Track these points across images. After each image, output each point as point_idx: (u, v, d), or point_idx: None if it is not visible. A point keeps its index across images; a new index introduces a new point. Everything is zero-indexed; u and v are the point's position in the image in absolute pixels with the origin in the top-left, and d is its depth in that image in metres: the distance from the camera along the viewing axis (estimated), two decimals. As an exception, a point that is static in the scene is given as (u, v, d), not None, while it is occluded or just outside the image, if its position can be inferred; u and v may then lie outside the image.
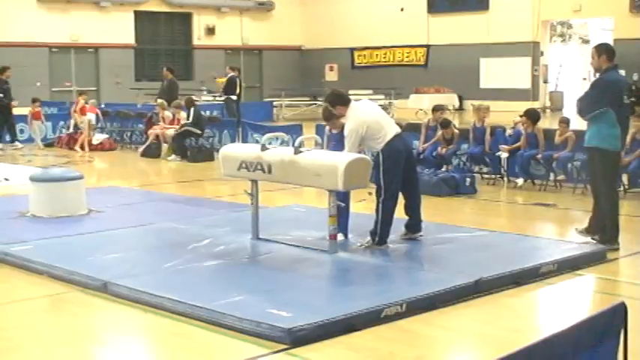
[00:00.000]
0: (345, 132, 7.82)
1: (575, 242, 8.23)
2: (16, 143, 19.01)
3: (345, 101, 7.99)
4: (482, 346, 5.64)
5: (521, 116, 12.85)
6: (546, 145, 12.06)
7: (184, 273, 6.98)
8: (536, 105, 25.80)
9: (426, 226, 8.33)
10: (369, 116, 7.87)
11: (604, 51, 8.10)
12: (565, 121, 12.26)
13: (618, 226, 8.14)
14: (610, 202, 8.14)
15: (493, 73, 31.07)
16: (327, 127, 8.52)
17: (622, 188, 10.67)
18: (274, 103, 29.93)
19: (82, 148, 18.29)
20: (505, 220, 10.38)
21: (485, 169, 13.05)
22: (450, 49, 31.87)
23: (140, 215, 9.93)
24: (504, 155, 12.51)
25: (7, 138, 19.50)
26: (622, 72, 10.31)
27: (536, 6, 29.78)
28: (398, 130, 7.99)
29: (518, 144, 12.37)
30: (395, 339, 5.60)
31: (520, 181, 12.34)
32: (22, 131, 20.55)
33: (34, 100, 19.72)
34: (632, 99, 8.66)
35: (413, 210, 8.16)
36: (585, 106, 8.10)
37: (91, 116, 18.69)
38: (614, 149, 8.06)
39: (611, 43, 29.36)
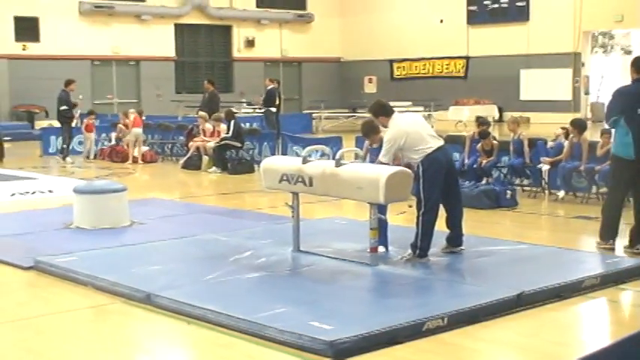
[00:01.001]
0: (385, 139, 7.84)
1: (619, 256, 8.15)
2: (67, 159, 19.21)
3: (388, 112, 8.01)
4: (526, 359, 5.62)
5: (563, 128, 12.74)
6: (588, 157, 11.94)
7: (226, 285, 7.03)
8: (577, 116, 25.56)
9: (466, 239, 8.30)
10: (410, 127, 7.88)
11: (633, 63, 8.57)
12: (607, 132, 12.08)
13: (612, 228, 8.58)
14: (609, 206, 8.77)
15: (533, 84, 30.87)
16: (367, 142, 8.54)
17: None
18: (313, 115, 30.01)
19: (135, 161, 18.44)
20: (546, 233, 10.30)
21: (526, 182, 12.96)
22: (490, 61, 31.73)
23: (181, 227, 10.01)
24: (545, 167, 12.42)
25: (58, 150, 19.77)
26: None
27: (578, 16, 29.55)
28: (441, 142, 7.97)
29: (559, 156, 12.27)
30: (437, 352, 5.59)
31: (562, 193, 12.23)
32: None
33: (89, 113, 19.94)
34: None
35: (454, 223, 8.13)
36: (605, 113, 8.77)
37: (139, 130, 18.82)
38: (626, 157, 8.41)
39: (654, 53, 29.18)
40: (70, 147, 19.52)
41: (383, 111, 8.04)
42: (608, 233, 8.67)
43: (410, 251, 7.86)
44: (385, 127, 8.00)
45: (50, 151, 20.68)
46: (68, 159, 18.92)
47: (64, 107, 19.15)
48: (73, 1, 30.06)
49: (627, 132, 8.35)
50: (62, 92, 19.47)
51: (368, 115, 8.15)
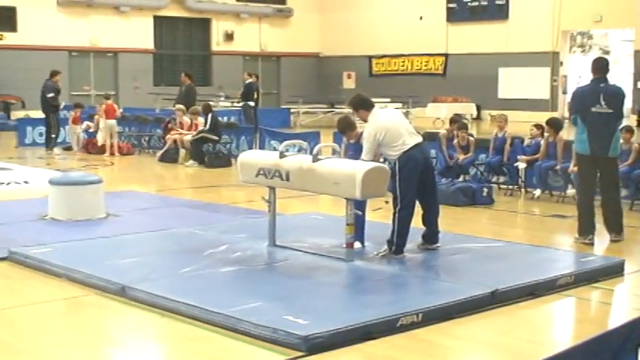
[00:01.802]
0: (364, 135, 7.85)
1: (593, 255, 8.21)
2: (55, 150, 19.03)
3: (368, 106, 8.01)
4: (498, 357, 5.65)
5: (536, 126, 12.79)
6: (564, 156, 12.01)
7: (201, 278, 7.01)
8: (554, 115, 25.70)
9: (442, 236, 8.33)
10: (390, 122, 7.88)
11: (591, 64, 9.11)
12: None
13: (588, 223, 8.94)
14: (580, 201, 9.20)
15: (512, 82, 31.02)
16: (345, 137, 8.54)
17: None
18: (291, 110, 29.99)
19: (112, 153, 18.33)
20: (522, 231, 10.36)
21: (502, 180, 13.02)
22: (469, 59, 31.84)
23: (157, 220, 9.98)
24: (522, 166, 12.48)
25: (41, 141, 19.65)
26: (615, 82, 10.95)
27: (557, 16, 29.72)
28: (419, 139, 7.98)
29: (536, 155, 12.34)
30: (410, 348, 5.61)
31: (538, 192, 12.31)
32: (41, 134, 20.70)
33: (76, 105, 19.78)
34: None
35: (430, 221, 8.15)
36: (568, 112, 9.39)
37: (112, 121, 18.69)
38: (583, 152, 8.96)
39: (632, 53, 29.41)
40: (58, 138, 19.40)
41: (363, 104, 8.04)
42: (586, 228, 8.94)
43: (386, 247, 7.88)
44: (364, 121, 8.01)
45: (26, 142, 20.54)
46: (55, 150, 18.80)
47: (51, 94, 19.06)
48: (51, -8, 29.85)
49: (583, 129, 8.87)
50: (47, 82, 19.40)
51: (347, 109, 8.11)
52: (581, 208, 9.07)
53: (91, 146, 18.95)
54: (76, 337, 5.85)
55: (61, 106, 20.07)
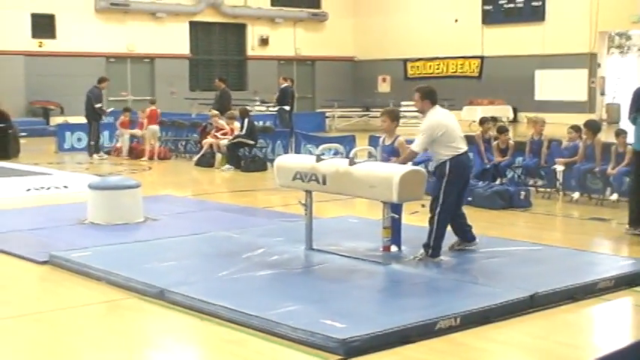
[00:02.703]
0: (422, 128, 7.84)
1: (634, 258, 8.12)
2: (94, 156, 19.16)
3: (434, 100, 7.98)
4: (538, 361, 5.60)
5: (573, 128, 12.67)
6: (603, 158, 11.89)
7: (239, 282, 7.04)
8: (592, 117, 25.47)
9: (479, 240, 8.29)
10: (449, 122, 7.93)
11: None
12: (623, 134, 12.01)
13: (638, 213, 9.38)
14: (632, 194, 9.65)
15: (548, 84, 30.76)
16: (382, 139, 8.54)
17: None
18: (327, 114, 30.02)
19: (151, 157, 18.50)
20: (560, 235, 10.27)
21: (540, 183, 12.92)
22: (505, 61, 31.64)
23: (194, 224, 10.04)
24: (560, 168, 12.37)
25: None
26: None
27: (594, 17, 29.43)
28: (466, 147, 8.04)
29: (574, 157, 12.23)
30: (449, 352, 5.59)
31: (576, 195, 12.18)
32: (79, 139, 20.95)
33: (125, 110, 19.97)
34: None
35: (461, 223, 8.15)
36: (628, 111, 9.75)
37: (155, 127, 18.82)
38: None
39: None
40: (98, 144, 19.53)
41: (431, 96, 7.99)
42: (636, 220, 9.39)
43: (422, 251, 7.86)
44: (422, 112, 8.01)
45: (65, 147, 20.79)
46: (95, 156, 18.95)
47: (99, 105, 19.10)
48: (88, -1, 30.20)
49: None
50: (94, 89, 19.47)
51: (415, 92, 8.02)
52: (635, 199, 9.50)
53: (129, 151, 19.07)
54: (116, 339, 5.91)
55: (107, 113, 20.16)
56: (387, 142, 8.39)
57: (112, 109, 21.18)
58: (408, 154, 7.94)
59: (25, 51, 28.67)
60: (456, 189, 7.85)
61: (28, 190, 13.23)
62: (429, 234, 7.83)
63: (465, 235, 8.22)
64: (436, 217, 7.80)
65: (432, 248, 7.80)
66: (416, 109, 8.27)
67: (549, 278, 7.11)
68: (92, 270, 7.55)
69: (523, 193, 11.85)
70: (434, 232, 7.80)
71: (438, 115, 7.94)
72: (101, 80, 19.85)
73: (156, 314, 6.50)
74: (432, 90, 8.09)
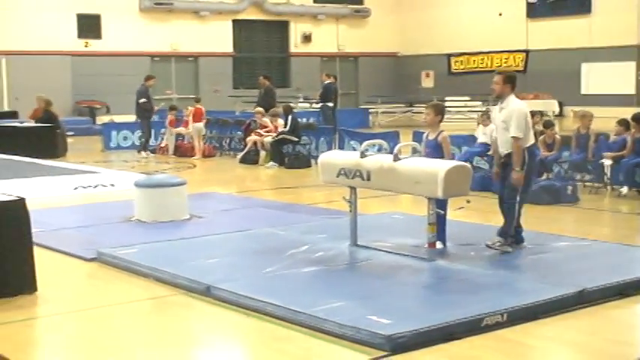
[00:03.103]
0: (510, 114, 7.84)
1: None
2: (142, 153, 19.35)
3: (514, 86, 8.01)
4: (584, 358, 5.53)
5: (619, 122, 12.49)
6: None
7: (284, 278, 7.07)
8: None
9: (526, 235, 8.21)
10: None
11: None
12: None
13: None
14: None
15: (595, 78, 30.35)
16: (425, 134, 8.49)
17: None
18: (370, 110, 29.97)
19: (193, 155, 18.65)
20: (609, 230, 10.14)
21: (587, 177, 12.75)
22: (550, 54, 31.29)
23: (239, 221, 10.09)
24: (608, 163, 12.21)
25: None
26: None
27: (641, 8, 28.99)
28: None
29: (622, 151, 12.06)
30: (495, 348, 5.55)
31: (625, 189, 12.01)
32: (125, 138, 21.19)
33: (171, 108, 20.18)
34: None
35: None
36: None
37: (199, 124, 18.97)
38: None
39: None
40: (154, 142, 19.70)
41: (512, 81, 8.00)
42: None
43: (499, 239, 7.82)
44: (500, 96, 7.98)
45: (112, 146, 21.03)
46: (143, 153, 19.14)
47: (143, 100, 19.34)
48: (133, -1, 30.52)
49: None
50: (141, 86, 19.73)
51: (497, 75, 8.05)
52: None
53: (175, 149, 19.23)
54: (163, 336, 5.97)
55: (155, 110, 20.36)
56: (431, 137, 8.32)
57: (162, 104, 21.37)
58: (517, 145, 7.83)
59: (71, 51, 29.07)
60: (530, 178, 7.96)
61: (76, 188, 13.40)
62: (507, 222, 7.85)
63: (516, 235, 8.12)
64: (517, 205, 7.87)
65: (510, 235, 7.82)
66: (495, 94, 8.11)
67: (598, 274, 7.02)
68: (139, 267, 7.62)
69: (570, 188, 11.71)
70: (514, 219, 7.83)
71: (521, 102, 8.04)
72: (147, 78, 20.11)
73: (202, 311, 6.55)
74: (515, 76, 8.12)
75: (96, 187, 13.54)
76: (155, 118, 20.53)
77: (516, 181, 7.76)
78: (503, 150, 8.01)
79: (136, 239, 8.81)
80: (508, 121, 7.84)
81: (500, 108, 8.05)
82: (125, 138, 21.16)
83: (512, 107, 7.90)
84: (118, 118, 25.63)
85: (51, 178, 14.47)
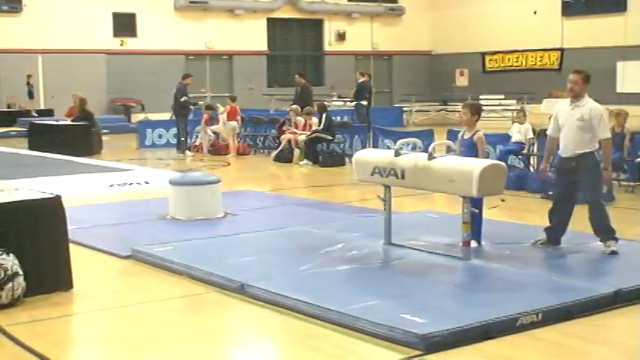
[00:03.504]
0: (594, 113, 7.89)
1: None
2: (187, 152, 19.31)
3: (588, 85, 8.06)
4: (621, 358, 5.48)
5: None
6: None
7: (318, 276, 7.07)
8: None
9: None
10: None
11: None
12: None
13: None
14: None
15: (631, 76, 30.01)
16: (461, 133, 8.46)
17: None
18: (404, 109, 29.90)
19: (227, 153, 18.75)
20: (645, 229, 10.02)
21: (623, 176, 12.62)
22: (585, 53, 30.97)
23: (273, 219, 10.12)
24: (644, 162, 12.08)
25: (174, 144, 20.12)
26: None
27: (678, 6, 28.63)
28: None
29: (659, 150, 11.92)
30: (531, 348, 5.51)
31: (661, 188, 11.89)
32: (160, 136, 21.34)
33: (207, 107, 20.26)
34: None
35: (564, 221, 8.07)
36: None
37: (233, 123, 19.05)
38: None
39: None
40: (188, 140, 19.67)
41: (589, 80, 8.09)
42: None
43: (612, 241, 7.76)
44: (579, 96, 8.00)
45: (147, 144, 21.18)
46: (187, 152, 19.18)
47: (185, 98, 19.29)
48: (168, -3, 30.74)
49: None
50: (179, 85, 19.63)
51: (576, 75, 8.17)
52: None
53: (217, 148, 19.29)
54: (197, 333, 6.00)
55: (196, 104, 20.38)
56: (467, 136, 8.29)
57: (201, 103, 21.46)
58: (608, 145, 7.91)
59: (107, 49, 29.37)
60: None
61: (111, 185, 13.52)
62: (606, 224, 7.80)
63: (558, 235, 8.05)
64: (602, 204, 7.89)
65: (613, 231, 7.81)
66: (573, 93, 8.13)
67: (634, 274, 6.96)
68: (174, 264, 7.67)
69: (605, 187, 11.58)
70: (606, 217, 7.81)
71: (595, 102, 8.01)
72: (185, 76, 20.05)
73: (236, 308, 6.57)
74: (590, 75, 8.11)
75: (131, 184, 13.65)
76: (190, 116, 20.61)
77: (609, 179, 7.71)
78: (578, 151, 7.84)
79: (170, 237, 8.87)
80: (588, 121, 7.77)
81: (574, 106, 7.93)
82: (160, 136, 21.32)
83: (590, 107, 7.86)
84: (153, 116, 25.85)
85: (86, 175, 14.62)
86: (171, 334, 6.02)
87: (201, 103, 21.35)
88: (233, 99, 19.95)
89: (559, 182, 8.11)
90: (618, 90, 30.28)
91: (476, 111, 8.39)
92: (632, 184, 12.42)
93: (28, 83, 27.71)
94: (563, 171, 7.98)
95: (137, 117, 27.44)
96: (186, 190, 10.22)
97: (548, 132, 8.27)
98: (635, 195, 12.11)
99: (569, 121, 7.93)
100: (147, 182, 13.80)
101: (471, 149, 8.13)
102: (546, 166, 8.38)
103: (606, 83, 30.22)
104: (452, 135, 14.18)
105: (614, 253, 7.68)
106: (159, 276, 7.60)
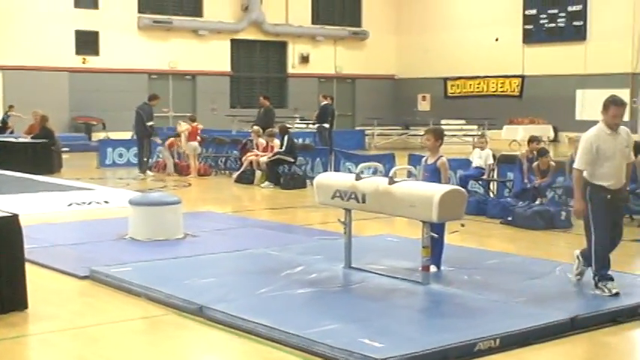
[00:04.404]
0: (631, 140, 7.74)
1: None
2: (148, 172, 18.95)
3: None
4: (579, 385, 5.53)
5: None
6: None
7: (278, 299, 7.05)
8: (635, 138, 25.16)
9: (519, 260, 8.23)
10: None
11: None
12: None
13: None
14: None
15: (590, 104, 30.38)
16: (425, 158, 8.51)
17: None
18: (366, 132, 30.03)
19: (188, 173, 18.65)
20: (602, 256, 10.11)
21: (581, 203, 12.75)
22: (546, 80, 31.46)
23: (234, 241, 10.09)
24: (601, 189, 12.21)
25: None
26: None
27: (636, 36, 29.15)
28: None
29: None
30: (488, 374, 5.54)
31: (617, 216, 12.02)
32: (120, 155, 21.19)
33: (177, 136, 19.97)
34: None
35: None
36: None
37: (194, 143, 18.96)
38: None
39: None
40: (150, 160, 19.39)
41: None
42: None
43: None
44: (613, 125, 7.67)
45: (107, 163, 21.00)
46: (148, 172, 18.94)
47: (151, 123, 18.77)
48: (132, 16, 30.61)
49: None
50: (145, 106, 18.99)
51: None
52: None
53: (180, 168, 19.14)
54: (156, 355, 5.94)
55: (157, 134, 19.80)
56: (430, 162, 8.35)
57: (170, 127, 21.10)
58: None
59: (69, 67, 29.19)
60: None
61: (70, 204, 13.38)
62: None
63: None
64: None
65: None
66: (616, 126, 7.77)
67: (591, 300, 7.04)
68: (132, 285, 7.60)
69: (564, 213, 11.73)
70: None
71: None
72: (152, 98, 19.44)
73: (195, 331, 6.53)
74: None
75: (90, 204, 13.53)
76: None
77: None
78: (624, 180, 7.58)
79: (129, 257, 8.79)
80: (630, 148, 7.60)
81: (614, 136, 7.61)
82: (120, 155, 21.16)
83: (625, 132, 7.78)
84: (114, 135, 25.69)
85: (45, 194, 14.46)
86: (129, 356, 5.95)
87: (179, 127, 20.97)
88: (193, 119, 19.83)
89: (607, 216, 7.46)
90: (577, 117, 30.71)
91: (439, 136, 8.46)
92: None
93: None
94: (616, 201, 7.49)
95: (98, 135, 27.22)
96: (146, 211, 10.15)
97: (579, 166, 7.53)
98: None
99: (614, 149, 7.53)
100: (106, 202, 13.68)
101: (434, 174, 8.19)
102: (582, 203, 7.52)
103: (566, 110, 30.69)
104: (413, 159, 14.28)
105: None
106: (117, 297, 7.52)
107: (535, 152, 13.24)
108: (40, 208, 12.72)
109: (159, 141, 19.34)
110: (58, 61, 28.78)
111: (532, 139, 13.67)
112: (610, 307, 6.80)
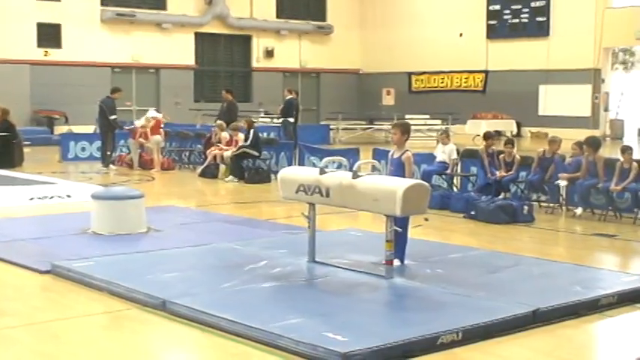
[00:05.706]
0: None
1: (636, 274, 8.10)
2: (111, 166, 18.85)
3: None
4: (540, 377, 5.59)
5: (576, 144, 12.67)
6: (606, 174, 11.89)
7: (241, 294, 7.04)
8: (596, 133, 25.47)
9: (482, 254, 8.29)
10: None
11: None
12: (628, 150, 12.01)
13: None
14: None
15: (552, 100, 30.80)
16: (391, 152, 8.53)
17: None
18: (331, 126, 30.05)
19: (152, 167, 18.53)
20: (564, 250, 10.26)
21: (543, 198, 12.91)
22: (509, 75, 31.69)
23: (198, 235, 10.04)
24: (563, 184, 12.37)
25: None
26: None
27: (598, 33, 29.49)
28: None
29: (577, 173, 12.22)
30: (451, 367, 5.58)
31: (579, 210, 12.19)
32: (83, 149, 21.00)
33: (142, 127, 19.80)
34: None
35: None
36: None
37: (157, 137, 18.85)
38: None
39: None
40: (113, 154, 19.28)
41: None
42: None
43: None
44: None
45: (69, 157, 20.81)
46: (112, 166, 18.80)
47: (114, 117, 18.63)
48: (95, 9, 30.30)
49: None
50: (107, 99, 18.84)
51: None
52: None
53: (144, 162, 19.00)
54: (117, 350, 5.90)
55: (122, 127, 19.70)
56: (396, 156, 8.37)
57: (131, 122, 21.00)
58: None
59: (30, 60, 28.82)
60: None
61: (32, 199, 13.23)
62: None
63: None
64: None
65: None
66: None
67: (552, 294, 7.10)
68: (94, 280, 7.54)
69: (526, 207, 11.85)
70: None
71: None
72: (114, 90, 19.30)
73: (158, 325, 6.50)
74: None
75: (52, 198, 13.39)
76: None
77: None
78: None
79: (91, 252, 8.72)
80: None
81: None
82: (83, 149, 20.96)
83: None
84: (77, 129, 25.44)
85: (6, 188, 14.26)
86: (91, 351, 5.91)
87: (137, 122, 20.81)
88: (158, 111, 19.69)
89: None
90: (540, 113, 31.03)
91: (406, 130, 8.48)
92: (551, 205, 12.70)
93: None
94: None
95: (60, 129, 26.91)
96: (108, 205, 10.08)
97: None
98: (554, 216, 12.39)
99: None
100: (69, 196, 13.55)
101: (399, 168, 8.22)
102: None
103: (528, 106, 30.97)
104: (378, 153, 14.33)
105: None
106: (79, 292, 7.46)
107: (492, 147, 13.36)
108: (1, 203, 12.57)
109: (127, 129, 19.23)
110: (20, 54, 28.42)
111: (487, 136, 13.76)
112: (571, 301, 6.87)
